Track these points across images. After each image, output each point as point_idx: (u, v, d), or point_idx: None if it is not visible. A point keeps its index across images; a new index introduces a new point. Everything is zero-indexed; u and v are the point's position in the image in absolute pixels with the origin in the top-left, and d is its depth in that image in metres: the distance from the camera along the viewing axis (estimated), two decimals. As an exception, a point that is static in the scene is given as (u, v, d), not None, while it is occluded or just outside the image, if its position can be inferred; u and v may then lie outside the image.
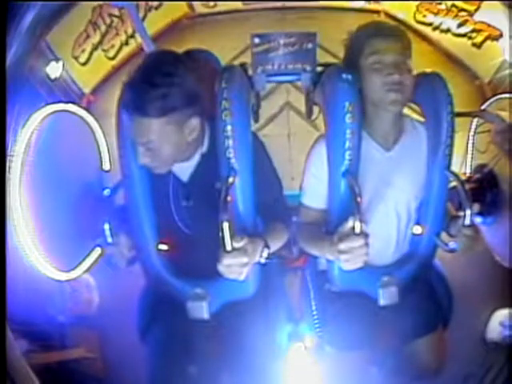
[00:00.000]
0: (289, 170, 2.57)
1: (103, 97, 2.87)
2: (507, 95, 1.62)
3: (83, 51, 2.86)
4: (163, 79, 1.01)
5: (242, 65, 1.39)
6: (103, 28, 2.95)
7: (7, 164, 1.10)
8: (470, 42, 3.03)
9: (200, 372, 1.20)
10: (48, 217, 1.17)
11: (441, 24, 3.17)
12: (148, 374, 1.21)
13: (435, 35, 3.21)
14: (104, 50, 3.02)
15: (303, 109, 1.76)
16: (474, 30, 2.99)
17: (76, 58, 2.82)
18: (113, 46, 3.07)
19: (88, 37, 2.87)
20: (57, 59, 2.45)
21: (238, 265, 0.95)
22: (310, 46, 1.43)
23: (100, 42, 2.97)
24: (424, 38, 3.23)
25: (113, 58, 3.09)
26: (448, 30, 3.15)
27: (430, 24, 3.23)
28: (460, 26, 3.05)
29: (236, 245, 0.95)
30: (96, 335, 2.15)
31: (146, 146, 1.05)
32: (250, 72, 1.46)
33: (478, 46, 2.98)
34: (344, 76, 1.18)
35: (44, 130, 1.18)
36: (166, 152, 1.07)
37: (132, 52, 3.07)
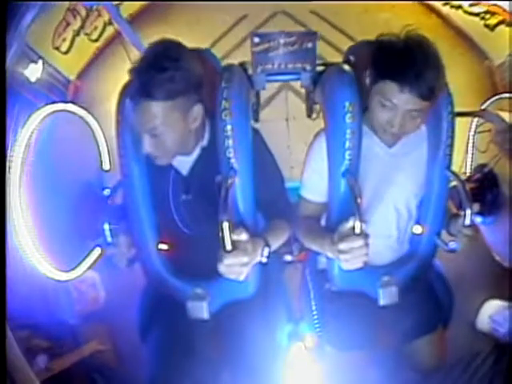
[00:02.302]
0: (287, 158, 2.52)
1: (91, 80, 2.80)
2: (507, 95, 1.62)
3: (64, 40, 2.79)
4: (170, 63, 1.01)
5: (242, 64, 1.39)
6: (83, 12, 2.87)
7: (7, 164, 1.10)
8: (482, 22, 2.89)
9: (200, 372, 1.20)
10: (48, 217, 1.17)
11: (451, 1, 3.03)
12: (148, 374, 1.21)
13: (445, 9, 3.08)
14: (87, 34, 2.96)
15: (302, 90, 1.74)
16: (487, 12, 2.84)
17: (57, 48, 2.76)
18: (96, 28, 3.00)
19: (68, 24, 2.79)
20: (36, 59, 2.41)
21: (239, 264, 0.95)
22: (309, 45, 1.43)
23: (81, 27, 2.89)
24: (432, 10, 3.11)
25: (96, 40, 3.02)
26: (459, 7, 3.00)
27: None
28: (473, 4, 2.90)
29: (236, 237, 0.95)
30: (106, 327, 2.16)
31: (151, 132, 1.04)
32: (250, 71, 1.46)
33: (491, 28, 2.85)
34: (344, 76, 1.18)
35: (44, 130, 1.18)
36: (170, 140, 1.07)
37: (116, 31, 2.87)
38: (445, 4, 3.07)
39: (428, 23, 3.04)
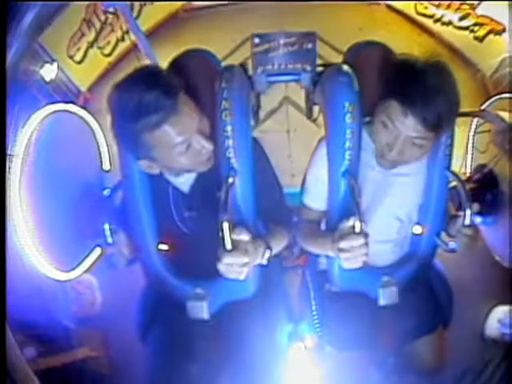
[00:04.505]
0: (288, 167, 2.56)
1: (100, 94, 2.85)
2: (507, 95, 1.62)
3: (78, 50, 2.85)
4: (157, 73, 1.01)
5: (242, 65, 1.39)
6: (98, 25, 2.93)
7: (7, 164, 1.10)
8: (472, 35, 2.97)
9: (200, 372, 1.20)
10: (48, 217, 1.17)
11: (442, 16, 3.12)
12: (148, 374, 1.21)
13: (436, 27, 3.16)
14: (100, 48, 3.01)
15: (303, 104, 1.75)
16: (476, 24, 2.93)
17: (71, 57, 2.81)
18: (108, 43, 3.06)
19: (83, 35, 2.85)
20: (51, 61, 2.44)
21: (239, 264, 0.94)
22: (309, 45, 1.43)
23: (95, 40, 2.95)
24: (425, 29, 3.19)
25: (109, 55, 3.07)
26: (450, 23, 3.10)
27: (431, 16, 3.19)
28: (462, 19, 3.00)
29: (236, 237, 0.94)
30: (100, 334, 2.16)
31: (201, 134, 1.03)
32: (250, 72, 1.46)
33: (480, 39, 2.93)
34: (344, 76, 1.18)
35: (44, 130, 1.18)
36: (204, 137, 1.05)
37: (128, 48, 3.02)
38: (435, 21, 3.16)
39: (420, 42, 3.15)
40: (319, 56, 1.47)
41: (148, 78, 0.98)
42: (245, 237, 0.97)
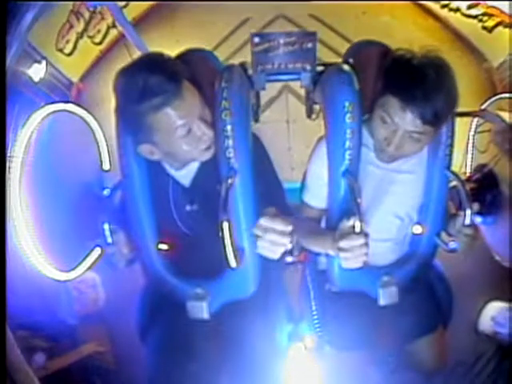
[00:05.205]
0: (288, 160, 2.53)
1: (94, 83, 2.82)
2: (507, 95, 1.62)
3: (67, 42, 2.81)
4: (162, 59, 1.04)
5: (242, 64, 1.39)
6: (87, 15, 2.89)
7: (7, 164, 1.10)
8: (480, 24, 2.91)
9: (200, 372, 1.20)
10: (48, 217, 1.17)
11: (450, 3, 3.04)
12: (148, 374, 1.21)
13: (443, 12, 3.09)
14: (90, 37, 2.97)
15: (303, 92, 1.74)
16: (485, 14, 2.87)
17: (61, 50, 2.77)
18: (99, 31, 3.02)
19: (71, 27, 2.81)
20: (40, 59, 2.42)
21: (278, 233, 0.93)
22: (309, 45, 1.43)
23: (85, 30, 2.91)
24: (431, 13, 3.12)
25: (100, 43, 3.04)
26: (457, 10, 3.02)
27: (438, 0, 3.10)
28: (471, 7, 2.93)
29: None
30: (105, 329, 2.17)
31: (202, 120, 1.05)
32: (250, 71, 1.46)
33: (489, 30, 2.87)
34: (344, 76, 1.18)
35: (44, 130, 1.18)
36: (206, 125, 1.07)
37: (119, 34, 2.93)
38: (443, 7, 3.09)
39: (426, 26, 3.08)
40: (321, 41, 1.44)
41: (153, 63, 1.02)
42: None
